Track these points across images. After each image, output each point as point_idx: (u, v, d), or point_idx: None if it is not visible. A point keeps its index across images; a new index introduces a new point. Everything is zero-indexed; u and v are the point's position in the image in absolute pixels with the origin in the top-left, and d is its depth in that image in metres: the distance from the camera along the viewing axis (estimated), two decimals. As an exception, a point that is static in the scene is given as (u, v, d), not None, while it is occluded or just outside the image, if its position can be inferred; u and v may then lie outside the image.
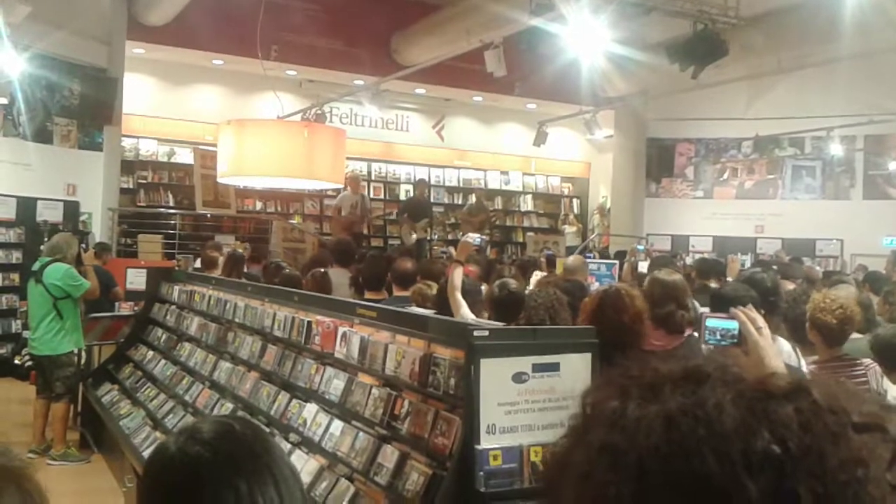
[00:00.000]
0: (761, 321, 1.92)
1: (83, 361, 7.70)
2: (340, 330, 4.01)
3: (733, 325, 1.95)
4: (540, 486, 0.72)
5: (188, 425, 1.40)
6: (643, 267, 8.39)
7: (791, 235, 14.95)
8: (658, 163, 16.82)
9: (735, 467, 0.58)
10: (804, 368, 3.68)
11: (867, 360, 3.92)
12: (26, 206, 10.65)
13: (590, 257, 11.30)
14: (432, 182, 17.13)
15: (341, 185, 11.97)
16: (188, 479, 1.27)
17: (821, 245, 14.88)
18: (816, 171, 15.52)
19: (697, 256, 12.20)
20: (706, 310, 4.21)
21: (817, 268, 10.11)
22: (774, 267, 9.37)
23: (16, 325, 10.40)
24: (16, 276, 10.30)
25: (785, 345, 3.82)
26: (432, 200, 16.31)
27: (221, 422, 1.36)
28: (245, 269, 8.31)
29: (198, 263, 9.50)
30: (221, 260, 8.30)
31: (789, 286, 5.95)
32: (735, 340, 1.94)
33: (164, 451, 1.32)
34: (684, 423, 0.61)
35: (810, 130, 14.33)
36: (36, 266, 7.16)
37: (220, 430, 1.31)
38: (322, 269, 6.72)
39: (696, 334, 4.02)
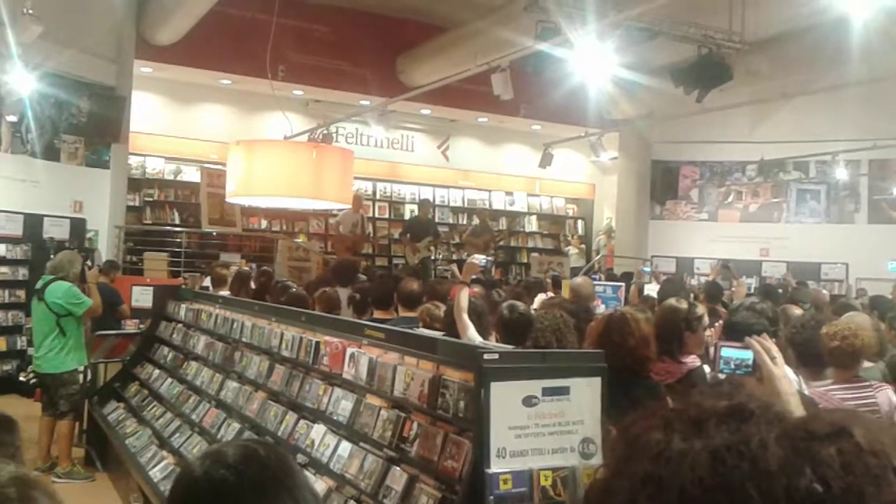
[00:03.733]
0: (776, 350, 1.93)
1: (89, 379, 7.69)
2: (349, 351, 4.02)
3: (748, 354, 1.96)
4: None
5: (213, 448, 1.41)
6: (649, 289, 8.40)
7: (796, 259, 14.95)
8: (662, 185, 16.87)
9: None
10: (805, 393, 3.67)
11: (875, 382, 3.91)
12: (33, 223, 10.69)
13: (595, 279, 11.30)
14: (437, 202, 17.17)
15: (349, 206, 12.01)
16: (212, 502, 1.28)
17: (826, 269, 14.87)
18: (821, 194, 15.55)
19: (703, 280, 12.19)
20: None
21: (825, 292, 10.10)
22: (781, 291, 9.37)
23: (21, 342, 10.39)
24: (21, 293, 10.31)
25: (789, 372, 3.82)
26: (437, 220, 16.36)
27: (246, 445, 1.37)
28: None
29: (207, 281, 9.51)
30: (230, 278, 8.33)
31: (796, 311, 5.94)
32: (749, 370, 1.95)
33: (190, 473, 1.33)
34: (729, 459, 0.62)
35: (815, 155, 14.38)
36: (39, 284, 7.18)
37: (245, 454, 1.33)
38: (331, 288, 6.74)
39: (703, 366, 4.02)
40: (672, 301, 4.29)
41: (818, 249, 14.91)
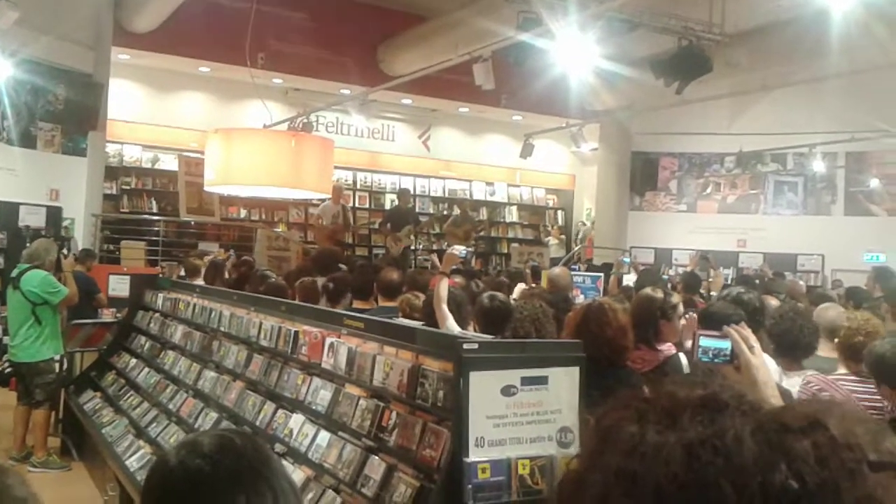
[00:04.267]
0: (753, 340, 1.94)
1: (65, 368, 7.63)
2: (328, 340, 4.01)
3: (726, 344, 1.97)
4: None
5: (189, 438, 1.40)
6: (629, 280, 8.44)
7: (773, 250, 15.09)
8: (642, 176, 16.94)
9: (752, 500, 0.58)
10: (786, 385, 3.70)
11: None
12: (9, 211, 10.57)
13: (575, 269, 11.34)
14: (418, 192, 17.15)
15: (328, 196, 11.96)
16: (188, 492, 1.27)
17: (802, 260, 15.02)
18: (798, 186, 15.69)
19: (682, 270, 12.27)
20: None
21: (801, 282, 10.19)
22: (757, 281, 9.45)
23: (-4, 331, 10.28)
24: (-3, 282, 10.19)
25: (770, 361, 3.85)
26: (418, 210, 16.34)
27: (222, 435, 1.37)
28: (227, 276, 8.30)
29: (182, 271, 9.45)
30: (204, 268, 8.27)
31: (773, 301, 6.00)
32: (727, 359, 1.96)
33: (165, 463, 1.32)
34: (703, 454, 0.61)
35: (793, 147, 14.50)
36: (14, 272, 7.11)
37: (221, 444, 1.32)
38: (311, 278, 6.71)
39: (679, 354, 4.05)
40: (648, 290, 4.33)
41: (795, 241, 15.05)
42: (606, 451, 0.66)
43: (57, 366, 7.27)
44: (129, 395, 6.53)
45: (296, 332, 4.37)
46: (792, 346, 4.09)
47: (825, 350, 4.24)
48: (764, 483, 0.59)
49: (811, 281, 13.77)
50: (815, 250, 14.99)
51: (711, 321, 3.56)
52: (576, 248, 16.71)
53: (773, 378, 2.12)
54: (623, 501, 0.62)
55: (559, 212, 19.17)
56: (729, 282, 9.99)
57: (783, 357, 4.08)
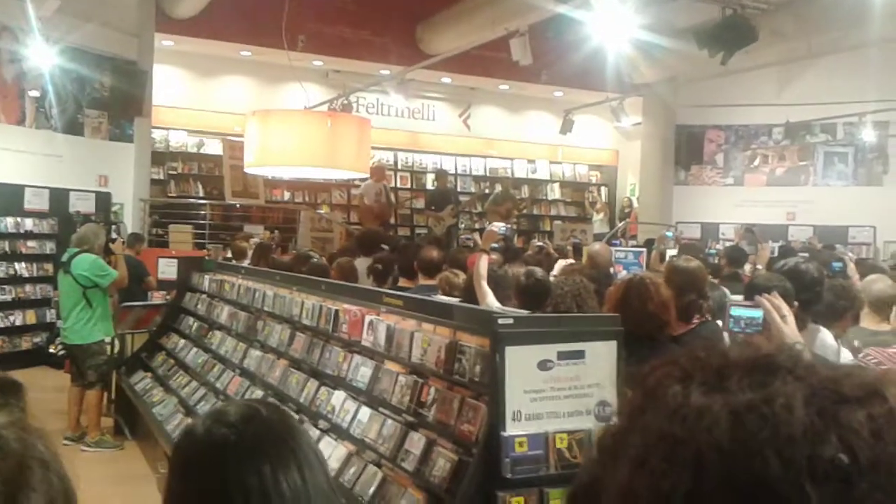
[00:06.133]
0: (786, 309, 1.90)
1: (116, 350, 7.82)
2: (367, 318, 4.05)
3: (758, 313, 1.94)
4: (589, 458, 0.70)
5: (216, 408, 1.43)
6: (672, 255, 8.33)
7: (823, 222, 14.75)
8: (687, 150, 16.67)
9: (799, 474, 0.55)
10: (845, 359, 3.62)
11: None
12: (59, 198, 10.81)
13: (617, 244, 11.24)
14: (458, 171, 17.13)
15: (366, 175, 12.01)
16: (213, 460, 1.30)
17: (853, 232, 14.66)
18: (848, 157, 15.29)
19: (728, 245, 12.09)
20: (739, 297, 4.18)
21: (850, 254, 9.94)
22: (804, 254, 9.26)
23: (50, 315, 10.58)
24: (49, 267, 10.45)
25: (829, 336, 3.76)
26: (458, 190, 16.32)
27: (248, 405, 1.39)
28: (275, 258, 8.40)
29: (229, 253, 9.60)
30: (250, 250, 8.39)
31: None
32: (759, 329, 1.93)
33: (192, 432, 1.36)
34: (750, 422, 0.58)
35: (842, 116, 14.10)
36: (65, 257, 7.27)
37: (246, 414, 1.34)
38: (348, 258, 6.77)
39: (718, 322, 4.00)
40: (679, 260, 4.27)
41: (845, 213, 14.69)
42: (648, 410, 0.63)
43: (108, 347, 7.45)
44: (178, 374, 6.69)
45: (336, 311, 4.42)
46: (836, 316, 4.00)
47: (871, 322, 4.15)
48: (812, 457, 0.55)
49: (862, 253, 13.44)
50: (867, 222, 14.61)
51: (755, 292, 3.50)
52: (619, 225, 16.55)
53: (806, 348, 2.08)
54: (662, 467, 0.59)
55: (602, 188, 18.97)
56: (776, 255, 9.79)
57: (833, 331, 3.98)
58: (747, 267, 7.64)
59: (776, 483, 0.55)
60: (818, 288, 4.05)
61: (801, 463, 0.55)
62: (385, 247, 8.06)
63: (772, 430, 0.57)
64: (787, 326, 1.87)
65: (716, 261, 8.83)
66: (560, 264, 7.33)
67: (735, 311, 2.00)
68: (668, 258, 8.42)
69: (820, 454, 0.55)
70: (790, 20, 11.08)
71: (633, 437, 0.63)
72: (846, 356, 3.70)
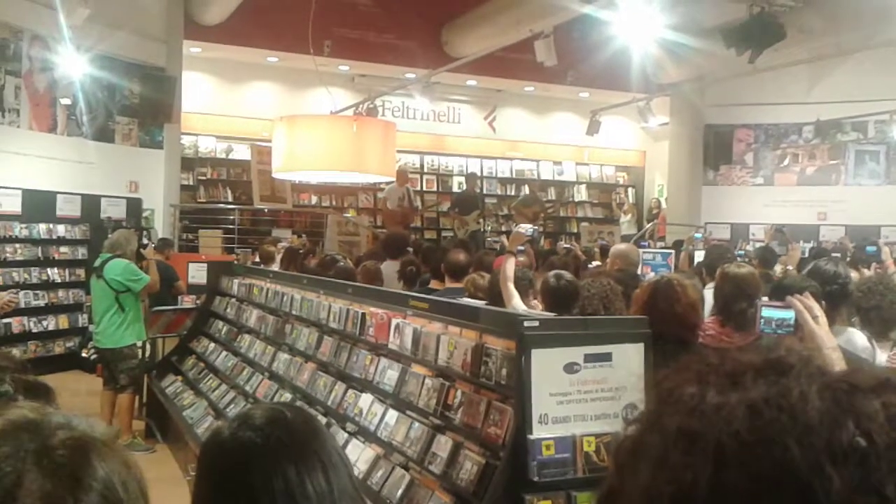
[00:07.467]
0: (818, 309, 1.88)
1: (147, 354, 7.91)
2: (394, 321, 4.06)
3: (789, 314, 1.92)
4: (609, 469, 0.71)
5: (242, 411, 1.44)
6: (700, 256, 8.25)
7: (854, 222, 14.52)
8: (715, 150, 16.50)
9: (819, 458, 0.56)
10: (880, 361, 3.56)
11: None
12: (90, 204, 10.96)
13: (645, 246, 11.16)
14: (484, 174, 17.10)
15: (392, 178, 12.05)
16: (239, 463, 1.31)
17: (886, 231, 14.41)
18: (880, 155, 15.05)
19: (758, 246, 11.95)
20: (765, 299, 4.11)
21: (884, 239, 9.76)
22: (839, 255, 9.14)
23: (82, 320, 10.72)
24: (81, 272, 10.59)
25: (859, 337, 3.70)
26: (485, 192, 16.30)
27: (274, 408, 1.40)
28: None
29: (257, 258, 9.67)
30: (279, 255, 8.44)
31: (854, 274, 5.78)
32: (791, 330, 1.91)
33: (218, 435, 1.37)
34: (767, 412, 0.59)
35: (873, 114, 13.87)
36: (97, 262, 7.37)
37: (272, 417, 1.36)
38: (374, 262, 6.80)
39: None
40: (731, 266, 4.20)
41: (878, 212, 14.44)
42: (665, 412, 0.64)
43: (140, 351, 7.53)
44: (208, 377, 6.75)
45: (363, 314, 4.44)
46: (881, 320, 3.93)
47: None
48: (830, 441, 0.57)
49: (894, 253, 13.21)
50: (900, 221, 14.39)
51: (783, 293, 3.46)
52: (648, 226, 16.42)
53: (838, 349, 2.05)
54: (683, 460, 0.60)
55: (630, 189, 18.86)
56: (807, 256, 9.67)
57: (873, 334, 3.91)
58: (777, 268, 7.55)
59: (797, 468, 0.56)
60: (840, 280, 3.97)
61: (820, 448, 0.57)
62: (410, 250, 8.09)
63: (790, 419, 0.58)
64: (820, 327, 1.85)
65: (745, 261, 8.72)
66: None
67: (766, 313, 1.98)
68: (695, 261, 8.35)
69: (838, 438, 0.57)
70: (818, 17, 10.94)
71: (652, 437, 0.64)
72: (881, 358, 3.64)
